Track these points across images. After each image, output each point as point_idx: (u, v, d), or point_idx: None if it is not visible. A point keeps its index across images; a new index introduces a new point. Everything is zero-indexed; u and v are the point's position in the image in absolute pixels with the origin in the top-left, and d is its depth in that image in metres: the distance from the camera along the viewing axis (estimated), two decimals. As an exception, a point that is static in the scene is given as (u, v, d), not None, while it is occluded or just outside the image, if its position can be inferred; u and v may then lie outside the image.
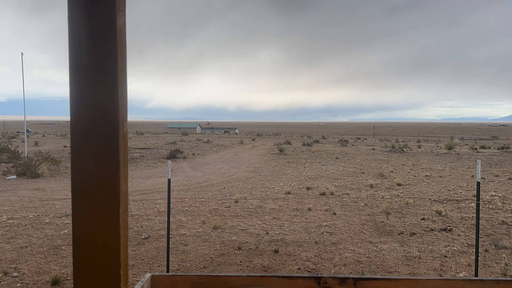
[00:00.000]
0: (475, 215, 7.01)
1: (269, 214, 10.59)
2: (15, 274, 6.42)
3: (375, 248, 7.86)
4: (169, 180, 6.68)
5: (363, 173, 19.27)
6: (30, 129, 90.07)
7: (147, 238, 8.43)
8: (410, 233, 8.81)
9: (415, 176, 18.18)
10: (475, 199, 6.75)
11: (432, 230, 9.11)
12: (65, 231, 8.82)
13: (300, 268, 6.87)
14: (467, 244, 8.09)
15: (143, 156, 26.94)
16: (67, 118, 0.97)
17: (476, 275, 5.94)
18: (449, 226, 9.36)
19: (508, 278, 1.78)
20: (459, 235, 8.75)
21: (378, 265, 7.00)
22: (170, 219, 7.35)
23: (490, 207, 11.37)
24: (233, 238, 8.46)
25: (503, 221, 9.80)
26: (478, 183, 5.79)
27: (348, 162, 24.66)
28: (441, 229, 9.13)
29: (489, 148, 39.87)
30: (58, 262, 6.98)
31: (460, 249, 7.83)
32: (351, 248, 7.85)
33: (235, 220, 9.94)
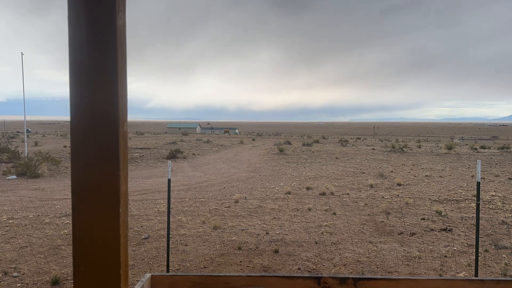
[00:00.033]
0: (475, 215, 7.02)
1: (269, 214, 10.59)
2: (15, 274, 6.42)
3: (375, 248, 7.86)
4: (169, 180, 6.68)
5: (363, 173, 19.27)
6: (30, 129, 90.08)
7: (147, 238, 8.43)
8: (410, 233, 8.81)
9: (415, 176, 18.18)
10: (475, 199, 6.75)
11: (432, 230, 9.11)
12: (65, 231, 8.82)
13: (300, 268, 6.87)
14: (467, 244, 8.09)
15: (143, 156, 26.94)
16: (67, 118, 0.97)
17: (476, 275, 5.94)
18: (449, 226, 9.36)
19: (508, 278, 1.78)
20: (459, 235, 8.75)
21: (378, 265, 7.00)
22: (170, 219, 7.35)
23: (490, 207, 11.37)
24: (233, 238, 8.46)
25: (503, 221, 9.80)
26: (478, 183, 5.79)
27: (348, 162, 24.66)
28: (441, 229, 9.13)
29: (489, 148, 39.88)
30: (58, 262, 6.98)
31: (460, 249, 7.83)
32: (351, 248, 7.85)
33: (235, 220, 9.94)
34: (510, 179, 16.91)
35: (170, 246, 6.89)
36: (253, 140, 55.84)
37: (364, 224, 9.66)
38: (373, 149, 36.05)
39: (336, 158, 26.80)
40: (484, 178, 17.00)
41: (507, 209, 11.04)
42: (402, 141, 60.23)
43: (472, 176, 17.72)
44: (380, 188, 14.76)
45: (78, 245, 0.89)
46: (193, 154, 29.73)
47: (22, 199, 11.67)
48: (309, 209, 11.12)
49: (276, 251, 7.62)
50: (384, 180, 16.85)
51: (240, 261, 7.18)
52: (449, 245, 8.02)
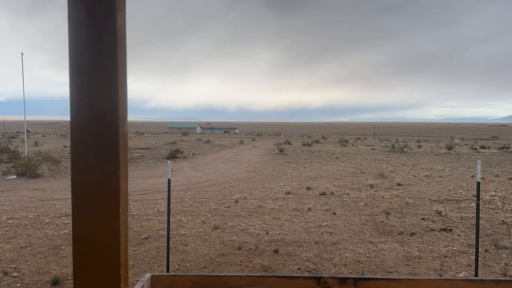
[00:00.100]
0: (475, 215, 7.02)
1: (269, 214, 10.59)
2: (15, 274, 6.42)
3: (375, 248, 7.86)
4: (169, 180, 6.68)
5: (363, 173, 19.27)
6: (30, 129, 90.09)
7: (147, 238, 8.44)
8: (410, 233, 8.81)
9: (415, 176, 18.18)
10: (475, 199, 6.75)
11: (432, 230, 9.11)
12: (65, 231, 8.82)
13: (300, 268, 6.87)
14: (467, 244, 8.09)
15: (143, 156, 26.94)
16: (67, 118, 0.97)
17: (476, 275, 5.94)
18: (449, 226, 9.36)
19: (508, 278, 1.78)
20: (459, 235, 8.75)
21: (378, 265, 7.00)
22: (170, 219, 7.35)
23: (490, 207, 11.37)
24: (233, 238, 8.46)
25: (503, 221, 9.80)
26: (478, 183, 5.79)
27: (348, 162, 24.66)
28: (441, 229, 9.13)
29: (489, 148, 39.88)
30: (58, 262, 6.98)
31: (460, 249, 7.83)
32: (351, 248, 7.85)
33: (235, 220, 9.94)
34: (510, 179, 16.91)
35: (170, 246, 6.89)
36: (253, 140, 55.84)
37: (364, 224, 9.66)
38: (373, 149, 36.05)
39: (336, 158, 26.80)
40: (484, 178, 17.00)
41: (507, 209, 11.04)
42: (402, 141, 60.23)
43: (472, 176, 17.72)
44: (380, 188, 14.76)
45: (78, 245, 0.89)
46: (193, 154, 29.74)
47: (22, 199, 11.67)
48: (309, 209, 11.12)
49: (276, 251, 7.62)
50: (384, 180, 16.85)
51: (240, 261, 7.18)
52: (449, 245, 8.02)
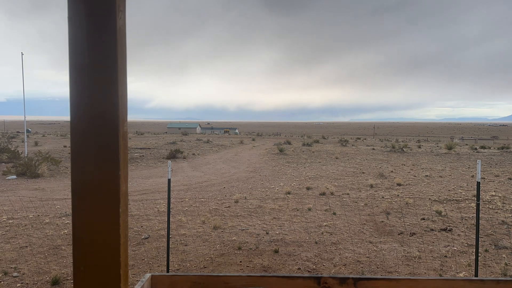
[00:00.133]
0: (475, 215, 7.02)
1: (269, 214, 10.59)
2: (15, 274, 6.42)
3: (375, 248, 7.86)
4: (169, 180, 6.68)
5: (363, 173, 19.27)
6: (30, 129, 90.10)
7: (147, 238, 8.44)
8: (410, 233, 8.81)
9: (415, 176, 18.18)
10: (475, 199, 6.75)
11: (432, 230, 9.11)
12: (65, 231, 8.82)
13: (300, 268, 6.87)
14: (467, 244, 8.09)
15: (143, 156, 26.94)
16: (67, 118, 0.97)
17: (476, 275, 5.94)
18: (449, 226, 9.36)
19: (508, 278, 1.78)
20: (459, 235, 8.75)
21: (378, 265, 7.00)
22: (170, 219, 7.35)
23: (490, 207, 11.37)
24: (233, 238, 8.46)
25: (503, 221, 9.80)
26: (478, 183, 5.79)
27: (348, 162, 24.66)
28: (441, 229, 9.13)
29: (489, 148, 39.88)
30: (58, 262, 6.98)
31: (460, 249, 7.83)
32: (351, 248, 7.85)
33: (235, 220, 9.94)
34: (510, 179, 16.91)
35: (170, 246, 6.89)
36: (253, 140, 55.84)
37: (364, 224, 9.66)
38: (373, 149, 36.06)
39: (336, 158, 26.81)
40: (484, 178, 17.00)
41: (507, 209, 11.04)
42: (402, 141, 60.24)
43: (472, 176, 17.72)
44: (380, 188, 14.76)
45: (78, 245, 0.89)
46: (193, 154, 29.74)
47: (22, 199, 11.67)
48: (309, 209, 11.12)
49: (276, 251, 7.62)
50: (384, 180, 16.85)
51: (240, 261, 7.18)
52: (449, 245, 8.02)
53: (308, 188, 14.66)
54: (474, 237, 7.73)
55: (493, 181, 16.26)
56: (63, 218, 9.98)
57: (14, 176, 17.05)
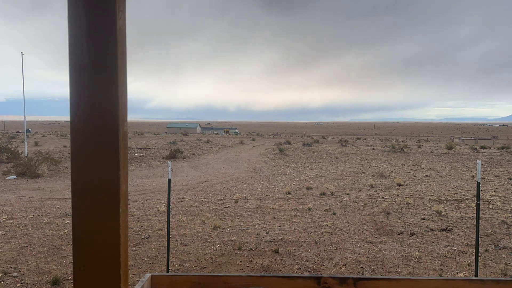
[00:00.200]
0: (475, 215, 7.02)
1: (269, 214, 10.59)
2: (15, 274, 6.42)
3: (375, 248, 7.86)
4: (169, 180, 6.68)
5: (363, 173, 19.27)
6: (30, 129, 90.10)
7: (147, 238, 8.44)
8: (410, 233, 8.81)
9: (415, 176, 18.18)
10: (475, 199, 6.75)
11: (432, 230, 9.11)
12: (65, 231, 8.82)
13: (300, 268, 6.87)
14: (467, 244, 8.09)
15: (143, 156, 26.94)
16: (67, 118, 0.97)
17: (476, 275, 5.94)
18: (449, 226, 9.36)
19: (508, 278, 1.78)
20: (459, 235, 8.75)
21: (378, 265, 7.00)
22: (170, 219, 7.35)
23: (490, 207, 11.37)
24: (233, 238, 8.46)
25: (503, 221, 9.80)
26: (478, 183, 5.79)
27: (348, 162, 24.66)
28: (441, 229, 9.13)
29: (489, 148, 39.88)
30: (58, 262, 6.98)
31: (460, 249, 7.83)
32: (351, 248, 7.85)
33: (235, 220, 9.94)
34: (510, 179, 16.91)
35: (170, 246, 6.89)
36: (253, 140, 55.84)
37: (364, 224, 9.66)
38: (373, 149, 36.06)
39: (336, 158, 26.81)
40: (484, 178, 17.00)
41: (507, 209, 11.04)
42: (402, 141, 60.24)
43: (472, 176, 17.72)
44: (380, 188, 14.76)
45: (78, 245, 0.89)
46: (193, 154, 29.74)
47: (22, 199, 11.67)
48: (309, 209, 11.12)
49: (276, 251, 7.62)
50: (384, 180, 16.85)
51: (240, 261, 7.18)
52: (449, 245, 8.02)
53: (308, 188, 14.66)
54: (474, 237, 7.73)
55: (493, 181, 16.26)
56: (63, 218, 9.98)
57: (14, 176, 17.06)
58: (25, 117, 29.70)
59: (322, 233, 8.83)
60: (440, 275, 6.53)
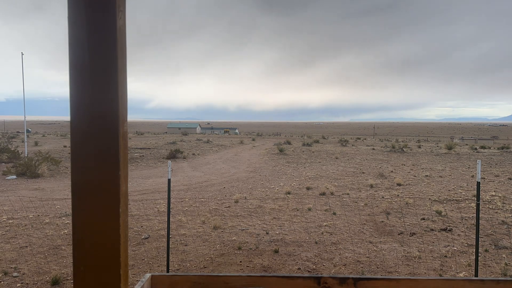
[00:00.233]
0: (475, 215, 7.02)
1: (269, 214, 10.59)
2: (15, 274, 6.42)
3: (375, 248, 7.86)
4: (169, 180, 6.68)
5: (363, 173, 19.27)
6: (30, 129, 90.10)
7: (147, 238, 8.44)
8: (410, 233, 8.81)
9: (415, 176, 18.18)
10: (475, 199, 6.75)
11: (432, 230, 9.11)
12: (65, 231, 8.82)
13: (300, 268, 6.87)
14: (467, 244, 8.09)
15: (143, 156, 26.94)
16: (67, 118, 0.97)
17: (476, 275, 5.94)
18: (449, 226, 9.36)
19: (508, 278, 1.78)
20: (459, 235, 8.75)
21: (378, 265, 7.00)
22: (170, 219, 7.35)
23: (490, 207, 11.37)
24: (233, 238, 8.46)
25: (503, 221, 9.80)
26: (478, 183, 5.79)
27: (348, 162, 24.66)
28: (441, 229, 9.13)
29: (489, 148, 39.88)
30: (58, 262, 6.98)
31: (460, 249, 7.83)
32: (351, 248, 7.85)
33: (235, 220, 9.94)
34: (510, 179, 16.91)
35: (170, 246, 6.89)
36: (253, 140, 55.84)
37: (364, 224, 9.66)
38: (373, 149, 36.06)
39: (336, 158, 26.81)
40: (484, 178, 17.00)
41: (507, 209, 11.04)
42: (402, 141, 60.24)
43: (472, 176, 17.72)
44: (380, 188, 14.76)
45: (78, 245, 0.89)
46: (193, 154, 29.74)
47: (22, 199, 11.67)
48: (309, 209, 11.12)
49: (276, 251, 7.62)
50: (384, 180, 16.85)
51: (240, 261, 7.18)
52: (449, 245, 8.02)
53: (308, 188, 14.66)
54: (474, 237, 7.73)
55: (493, 181, 16.26)
56: (63, 218, 9.98)
57: (14, 176, 17.06)
58: (25, 117, 29.71)
59: (322, 233, 8.83)
60: (440, 275, 6.53)
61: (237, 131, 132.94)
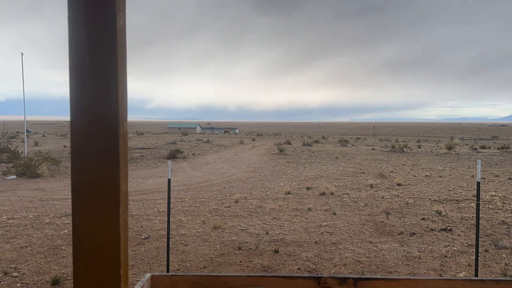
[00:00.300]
0: (475, 215, 7.02)
1: (269, 214, 10.59)
2: (15, 274, 6.42)
3: (375, 248, 7.86)
4: (169, 180, 6.68)
5: (363, 173, 19.27)
6: (30, 129, 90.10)
7: (147, 238, 8.44)
8: (410, 233, 8.81)
9: (415, 176, 18.18)
10: (475, 199, 6.75)
11: (432, 230, 9.11)
12: (65, 231, 8.82)
13: (300, 268, 6.87)
14: (467, 244, 8.09)
15: (143, 156, 26.94)
16: (67, 118, 0.97)
17: (476, 275, 5.94)
18: (449, 226, 9.36)
19: (508, 278, 1.78)
20: (459, 235, 8.75)
21: (378, 265, 7.00)
22: (170, 219, 7.35)
23: (490, 207, 11.37)
24: (233, 238, 8.46)
25: (503, 221, 9.80)
26: (478, 183, 5.79)
27: (348, 162, 24.66)
28: (441, 229, 9.13)
29: (489, 148, 39.88)
30: (58, 262, 6.98)
31: (460, 249, 7.83)
32: (351, 248, 7.85)
33: (235, 220, 9.94)
34: (510, 179, 16.91)
35: (170, 246, 6.89)
36: (253, 140, 55.83)
37: (364, 224, 9.66)
38: (373, 149, 36.06)
39: (336, 158, 26.80)
40: (484, 178, 17.00)
41: (507, 209, 11.04)
42: (402, 141, 60.24)
43: (472, 176, 17.73)
44: (380, 188, 14.76)
45: (78, 245, 0.89)
46: (193, 154, 29.74)
47: (22, 199, 11.67)
48: (309, 209, 11.12)
49: (276, 251, 7.62)
50: (384, 180, 16.85)
51: (240, 261, 7.18)
52: (449, 245, 8.02)
53: (308, 188, 14.66)
54: (474, 237, 7.73)
55: (493, 181, 16.26)
56: (63, 218, 9.98)
57: (14, 176, 17.06)
58: (25, 117, 29.71)
59: (322, 233, 8.83)
60: (440, 275, 6.53)
61: (237, 131, 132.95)
